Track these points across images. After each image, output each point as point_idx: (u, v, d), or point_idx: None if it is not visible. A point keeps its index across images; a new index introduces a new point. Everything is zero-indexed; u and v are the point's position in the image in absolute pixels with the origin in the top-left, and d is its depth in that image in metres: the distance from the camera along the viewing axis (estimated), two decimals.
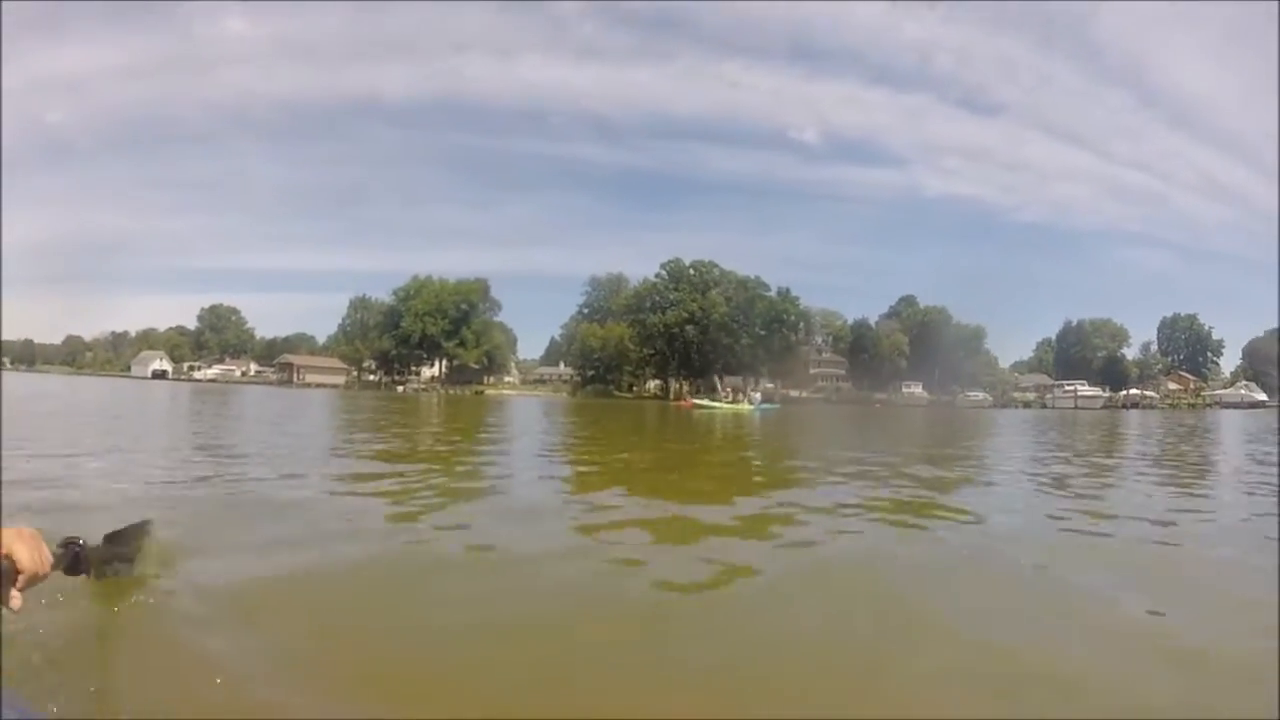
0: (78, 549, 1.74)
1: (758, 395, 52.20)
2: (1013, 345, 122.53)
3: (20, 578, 1.24)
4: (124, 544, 2.46)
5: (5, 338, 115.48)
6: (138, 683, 2.26)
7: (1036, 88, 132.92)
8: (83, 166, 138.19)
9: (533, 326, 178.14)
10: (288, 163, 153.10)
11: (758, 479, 8.83)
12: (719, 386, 55.09)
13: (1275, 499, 6.91)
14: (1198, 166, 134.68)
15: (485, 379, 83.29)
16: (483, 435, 14.53)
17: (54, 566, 1.46)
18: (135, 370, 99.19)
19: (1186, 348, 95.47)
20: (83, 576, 1.83)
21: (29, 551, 1.26)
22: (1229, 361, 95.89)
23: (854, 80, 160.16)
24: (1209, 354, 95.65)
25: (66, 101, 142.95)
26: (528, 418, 23.01)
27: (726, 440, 16.08)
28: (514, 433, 15.58)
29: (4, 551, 1.24)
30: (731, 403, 44.16)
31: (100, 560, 2.02)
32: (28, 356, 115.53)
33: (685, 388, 53.33)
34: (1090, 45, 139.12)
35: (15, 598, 1.23)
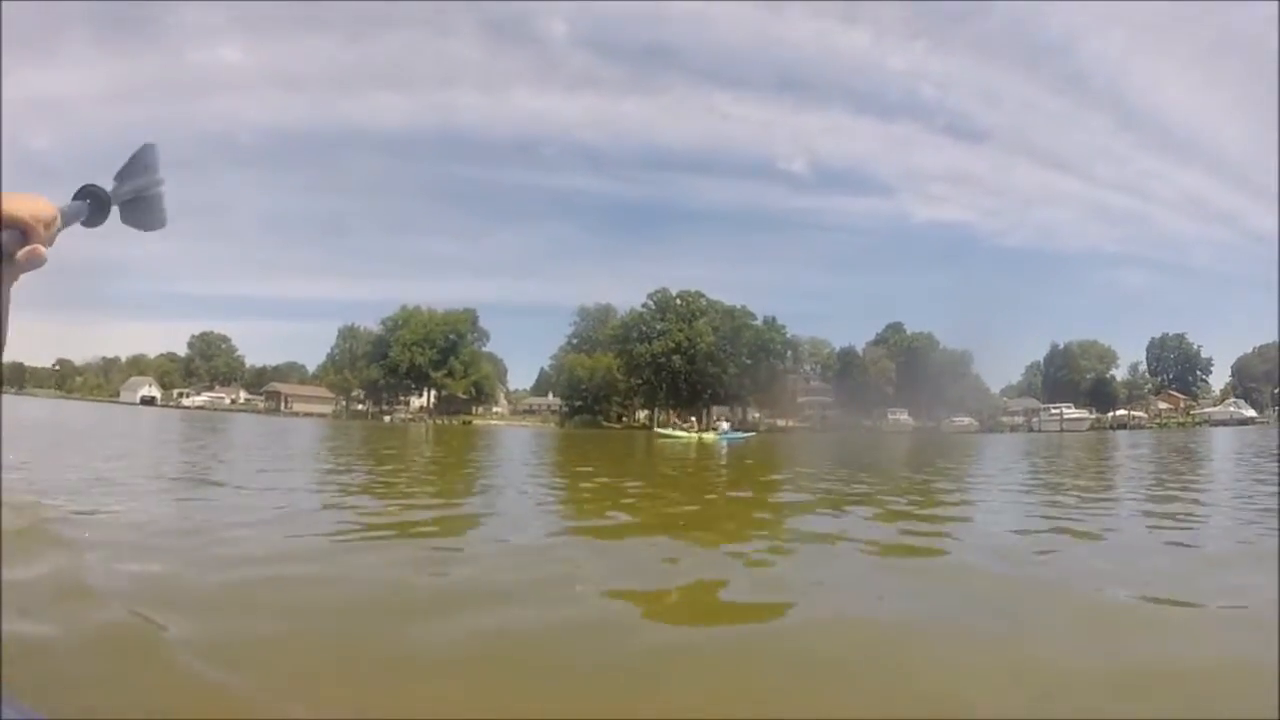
0: (94, 189, 1.47)
1: (724, 424, 52.08)
2: (1001, 369, 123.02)
3: (28, 231, 1.09)
4: (141, 173, 1.90)
5: None
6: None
7: (1020, 113, 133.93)
8: (67, 191, 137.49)
9: (523, 357, 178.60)
10: (278, 190, 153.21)
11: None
12: (675, 417, 54.91)
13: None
14: (1180, 186, 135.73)
15: (474, 409, 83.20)
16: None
17: (70, 219, 1.33)
18: (124, 396, 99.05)
19: (1176, 367, 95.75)
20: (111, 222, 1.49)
21: (27, 204, 1.14)
22: (1218, 379, 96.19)
23: (841, 110, 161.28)
24: (1198, 372, 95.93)
25: (52, 126, 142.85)
26: (490, 454, 22.89)
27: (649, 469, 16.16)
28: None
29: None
30: (697, 432, 43.83)
31: (126, 198, 1.69)
32: (18, 379, 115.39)
33: (671, 417, 53.25)
34: (1072, 71, 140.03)
35: (35, 250, 1.09)
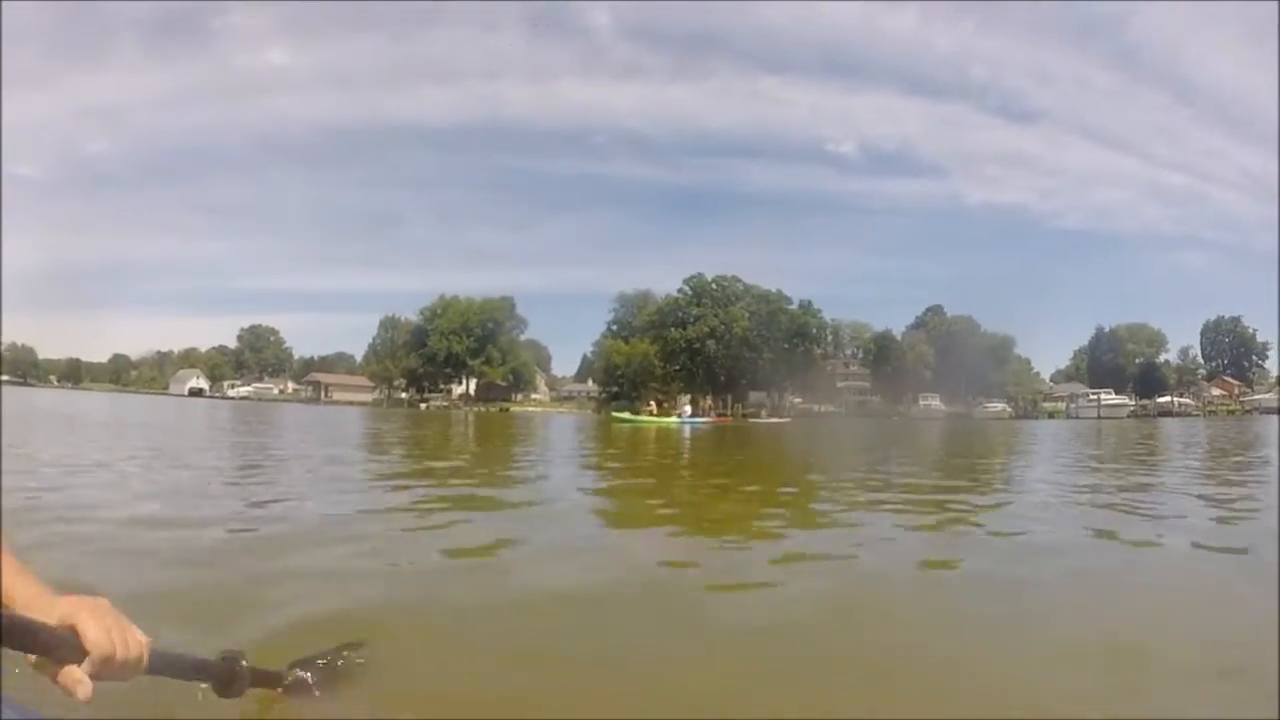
0: (235, 662, 1.45)
1: (687, 409, 52.10)
2: (1050, 353, 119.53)
3: (89, 660, 0.96)
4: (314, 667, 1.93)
5: (50, 355, 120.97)
6: None
7: (1073, 92, 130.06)
8: (123, 195, 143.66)
9: (570, 343, 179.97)
10: (327, 186, 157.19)
11: None
12: (653, 403, 54.65)
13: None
14: (1239, 164, 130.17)
15: (513, 396, 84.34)
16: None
17: (184, 672, 1.28)
18: (173, 388, 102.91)
19: (1230, 351, 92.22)
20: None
21: (100, 627, 0.98)
22: (1276, 365, 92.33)
23: (890, 92, 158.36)
24: (1254, 357, 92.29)
25: (106, 131, 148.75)
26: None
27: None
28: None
29: (66, 622, 0.97)
30: (660, 416, 43.42)
31: (266, 678, 1.68)
32: (75, 375, 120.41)
33: (648, 403, 53.00)
34: (1126, 46, 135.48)
35: (82, 682, 0.95)
